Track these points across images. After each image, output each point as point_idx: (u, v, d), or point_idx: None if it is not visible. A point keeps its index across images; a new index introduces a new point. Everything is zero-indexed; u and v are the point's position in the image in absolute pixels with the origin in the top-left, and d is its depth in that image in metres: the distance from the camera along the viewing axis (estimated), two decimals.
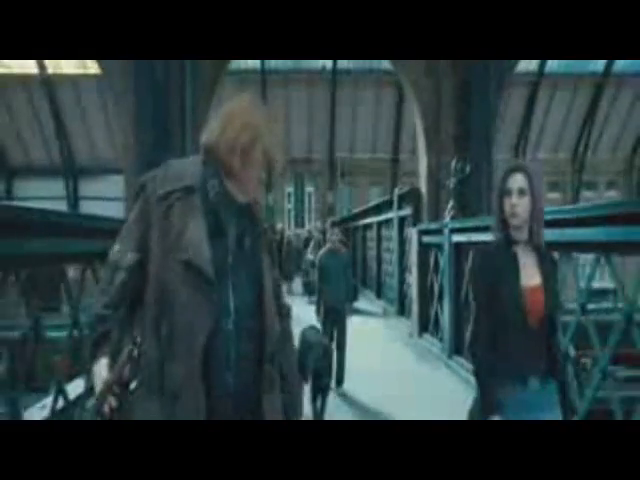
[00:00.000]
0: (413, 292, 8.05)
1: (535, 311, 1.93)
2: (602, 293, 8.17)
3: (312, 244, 12.65)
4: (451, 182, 6.75)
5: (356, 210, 15.44)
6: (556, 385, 1.99)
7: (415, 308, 7.97)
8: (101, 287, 1.45)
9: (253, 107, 1.49)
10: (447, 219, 6.59)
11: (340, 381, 5.50)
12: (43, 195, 19.59)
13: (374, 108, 20.93)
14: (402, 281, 9.11)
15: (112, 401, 1.32)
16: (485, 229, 5.34)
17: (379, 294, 11.32)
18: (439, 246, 6.81)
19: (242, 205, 1.47)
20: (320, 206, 23.36)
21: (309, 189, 24.21)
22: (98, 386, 1.36)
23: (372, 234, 11.86)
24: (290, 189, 24.20)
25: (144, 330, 1.40)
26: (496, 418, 1.86)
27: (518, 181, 1.96)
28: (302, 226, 22.53)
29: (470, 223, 5.97)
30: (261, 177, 1.49)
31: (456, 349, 6.32)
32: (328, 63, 19.48)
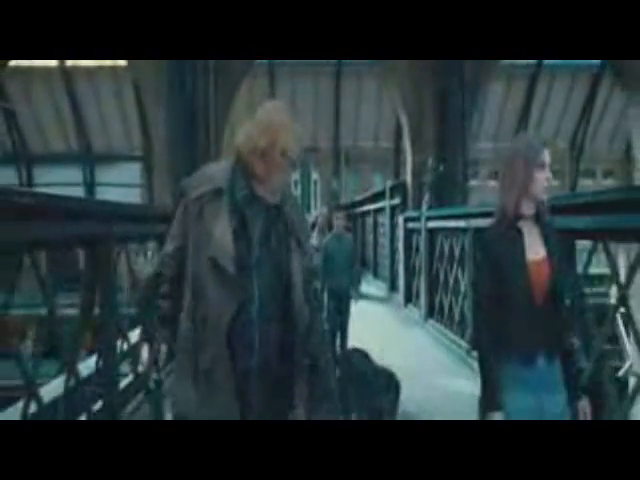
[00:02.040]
0: (400, 270, 9.67)
1: (540, 285, 1.91)
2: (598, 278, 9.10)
3: (317, 229, 13.96)
4: (428, 178, 8.34)
5: (356, 198, 16.97)
6: (561, 364, 1.95)
7: (402, 284, 9.59)
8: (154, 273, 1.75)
9: (274, 112, 1.65)
10: (424, 209, 8.18)
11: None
12: (61, 181, 20.79)
13: (377, 98, 22.11)
14: (393, 262, 10.72)
15: (154, 376, 1.83)
16: (453, 217, 6.98)
17: (375, 274, 12.96)
18: (418, 231, 8.41)
19: (269, 205, 1.64)
20: (325, 192, 24.72)
21: (315, 176, 25.65)
22: (144, 367, 1.84)
23: (370, 220, 13.47)
24: (296, 176, 25.59)
25: (182, 317, 1.62)
26: (497, 417, 1.83)
27: (547, 156, 1.94)
28: (308, 211, 23.98)
29: (441, 212, 7.60)
30: (287, 179, 1.65)
31: (430, 314, 7.95)
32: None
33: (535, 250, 1.94)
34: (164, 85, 9.26)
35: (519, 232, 1.94)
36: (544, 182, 1.91)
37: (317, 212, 20.38)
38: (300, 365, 1.61)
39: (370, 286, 12.59)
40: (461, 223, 6.40)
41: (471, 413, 2.07)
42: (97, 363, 3.16)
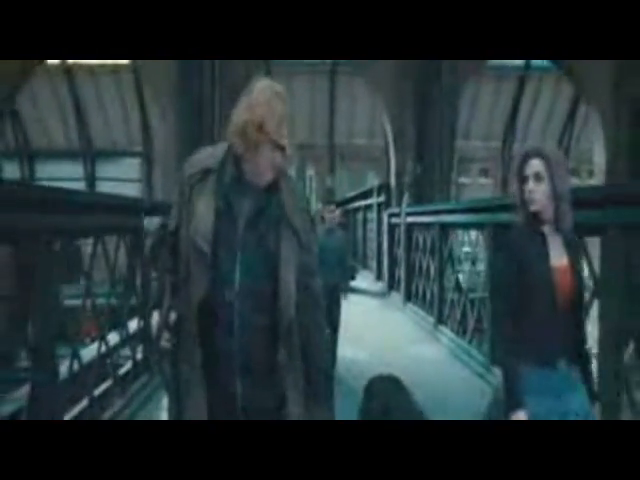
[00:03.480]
0: (385, 261, 10.98)
1: (564, 292, 1.95)
2: None
3: None
4: (407, 179, 9.66)
5: (348, 195, 18.26)
6: (581, 368, 2.00)
7: (386, 273, 10.90)
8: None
9: (259, 90, 1.62)
10: (403, 206, 9.49)
11: (332, 365, 5.45)
12: (63, 176, 21.68)
13: (371, 98, 23.19)
14: (379, 253, 12.03)
15: (165, 339, 1.63)
16: (424, 213, 8.30)
17: (365, 265, 14.27)
18: (399, 226, 9.71)
19: (259, 189, 1.61)
20: (320, 189, 25.85)
21: (310, 172, 26.81)
22: (155, 330, 1.69)
23: (360, 216, 14.80)
24: (292, 172, 26.71)
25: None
26: (522, 417, 1.85)
27: (534, 166, 1.97)
28: None
29: (415, 209, 8.91)
30: (275, 161, 1.59)
31: (408, 298, 9.27)
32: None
33: (559, 257, 1.98)
34: (167, 81, 10.24)
35: (542, 238, 1.99)
36: (526, 194, 1.97)
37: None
38: (285, 362, 1.58)
39: (359, 276, 13.89)
40: (431, 219, 7.72)
41: (430, 371, 2.94)
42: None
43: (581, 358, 2.01)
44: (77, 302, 3.58)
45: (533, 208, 1.96)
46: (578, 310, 2.01)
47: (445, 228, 7.14)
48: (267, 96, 1.60)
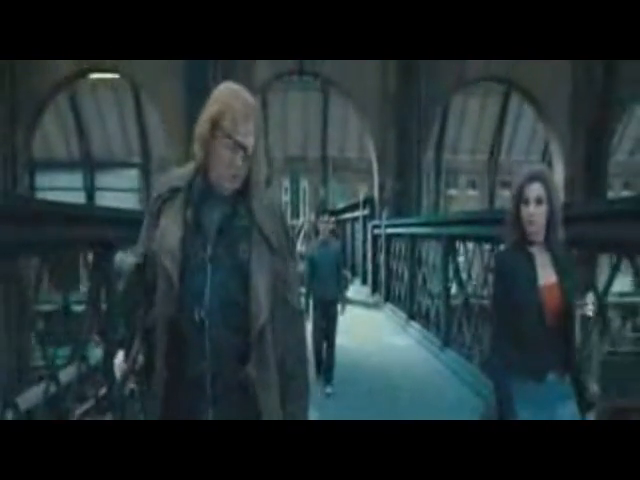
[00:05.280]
0: (369, 267, 12.56)
1: (552, 308, 2.08)
2: None
3: (302, 235, 16.39)
4: (386, 195, 11.30)
5: (338, 207, 19.85)
6: (571, 379, 2.12)
7: (370, 278, 12.47)
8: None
9: (217, 92, 1.57)
10: (383, 219, 11.09)
11: (329, 379, 5.57)
12: (63, 186, 22.01)
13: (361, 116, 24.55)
14: (365, 260, 13.62)
15: (130, 385, 1.57)
16: (400, 225, 9.89)
17: (353, 272, 15.85)
18: (380, 236, 11.29)
19: (226, 196, 1.57)
20: (313, 199, 27.25)
21: (304, 184, 28.34)
22: (118, 374, 1.60)
23: (349, 226, 16.41)
24: (287, 183, 28.23)
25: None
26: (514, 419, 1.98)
27: (535, 190, 2.06)
28: (297, 217, 26.62)
29: (393, 222, 10.53)
30: (236, 163, 1.52)
31: (387, 299, 10.85)
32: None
33: (547, 275, 2.09)
34: (173, 105, 11.53)
35: (530, 257, 2.09)
36: (526, 216, 2.05)
37: (304, 218, 22.52)
38: (257, 376, 1.52)
39: (349, 282, 15.49)
40: (403, 230, 9.32)
41: (401, 354, 4.74)
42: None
43: (571, 371, 2.13)
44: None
45: (532, 229, 2.07)
46: (568, 324, 2.12)
47: (414, 238, 8.73)
48: (223, 93, 1.58)
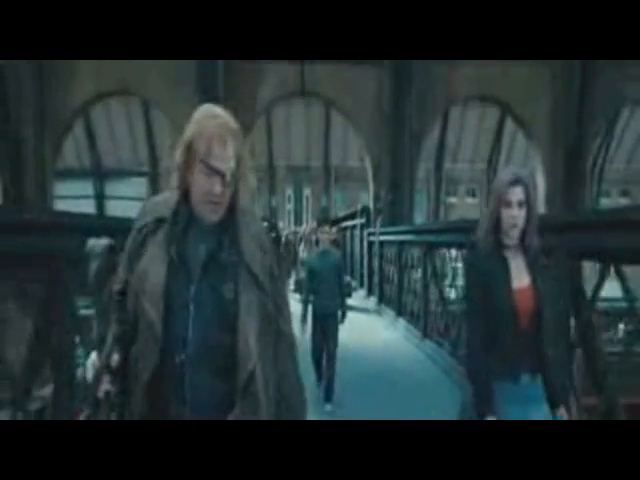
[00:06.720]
0: (365, 272, 13.87)
1: (525, 311, 2.16)
2: None
3: (303, 242, 17.33)
4: (380, 205, 12.62)
5: (338, 215, 21.12)
6: (542, 380, 2.20)
7: (366, 281, 13.78)
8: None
9: (195, 113, 1.52)
10: (377, 227, 12.41)
11: (329, 397, 5.46)
12: (74, 194, 23.15)
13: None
14: (362, 265, 14.93)
15: (104, 387, 1.48)
16: (391, 233, 11.20)
17: (351, 276, 17.15)
18: (374, 242, 12.61)
19: (211, 227, 1.50)
20: (316, 208, 28.44)
21: (307, 192, 29.59)
22: (90, 374, 1.59)
23: (348, 234, 17.73)
24: (290, 192, 29.46)
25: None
26: (491, 417, 2.06)
27: (518, 193, 2.11)
28: (300, 225, 27.74)
29: (386, 230, 11.85)
30: (215, 190, 1.45)
31: (381, 301, 12.15)
32: None
33: (520, 278, 2.18)
34: (176, 102, 12.52)
35: (504, 260, 2.18)
36: (509, 219, 2.12)
37: (307, 226, 23.31)
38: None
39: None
40: (393, 237, 10.65)
41: (390, 346, 6.20)
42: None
43: (543, 371, 2.20)
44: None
45: (512, 233, 2.13)
46: (540, 326, 2.19)
47: (401, 244, 10.04)
48: (198, 116, 1.50)
